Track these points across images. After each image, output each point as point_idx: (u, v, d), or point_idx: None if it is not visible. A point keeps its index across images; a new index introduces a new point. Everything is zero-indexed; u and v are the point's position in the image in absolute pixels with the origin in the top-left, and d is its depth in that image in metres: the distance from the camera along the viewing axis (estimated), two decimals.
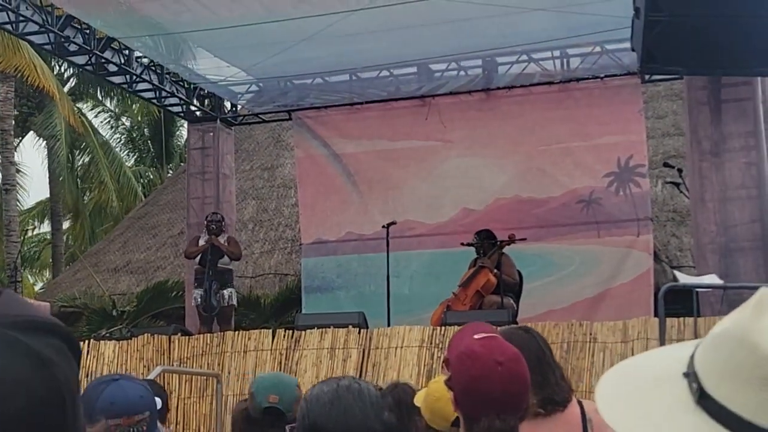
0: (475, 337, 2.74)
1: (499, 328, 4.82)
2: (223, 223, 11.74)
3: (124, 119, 26.36)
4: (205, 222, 11.58)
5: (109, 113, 25.83)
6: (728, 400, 0.94)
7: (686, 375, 1.00)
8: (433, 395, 3.05)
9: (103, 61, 11.80)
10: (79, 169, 23.05)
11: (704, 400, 0.96)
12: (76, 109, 21.74)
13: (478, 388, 2.56)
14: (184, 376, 8.89)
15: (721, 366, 0.95)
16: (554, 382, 3.74)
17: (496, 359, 2.58)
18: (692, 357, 1.01)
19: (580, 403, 3.86)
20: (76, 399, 1.01)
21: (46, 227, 25.88)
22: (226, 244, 11.44)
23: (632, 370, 1.09)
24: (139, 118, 26.18)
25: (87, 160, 22.67)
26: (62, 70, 22.35)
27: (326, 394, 2.17)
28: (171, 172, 25.15)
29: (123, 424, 2.87)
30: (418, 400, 3.20)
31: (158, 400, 4.15)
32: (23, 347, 0.95)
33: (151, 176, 26.25)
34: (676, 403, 0.98)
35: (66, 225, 24.46)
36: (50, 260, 23.92)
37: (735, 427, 0.93)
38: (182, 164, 22.21)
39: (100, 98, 24.93)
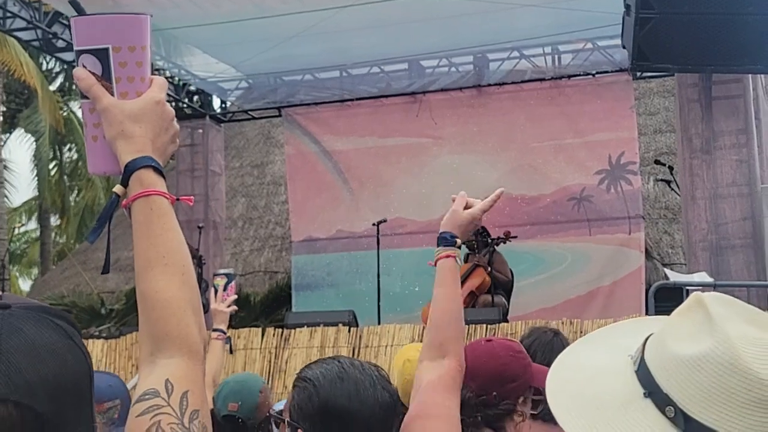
0: None
1: (529, 326, 4.80)
2: None
3: None
4: None
5: None
6: (716, 423, 0.96)
7: (648, 394, 1.01)
8: (405, 377, 3.01)
9: None
10: (67, 166, 22.92)
11: (689, 425, 0.98)
12: (64, 106, 21.63)
13: (475, 362, 2.53)
14: None
15: (708, 390, 0.97)
16: None
17: (487, 339, 2.63)
18: (648, 373, 1.02)
19: None
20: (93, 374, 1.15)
21: (34, 224, 25.76)
22: None
23: (578, 386, 1.10)
24: None
25: (75, 157, 22.54)
26: (50, 67, 22.23)
27: (331, 372, 2.09)
28: None
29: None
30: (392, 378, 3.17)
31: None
32: (49, 322, 1.08)
33: None
34: (653, 429, 1.00)
35: (55, 222, 24.34)
36: (38, 258, 23.80)
37: None
38: (171, 161, 22.10)
39: None
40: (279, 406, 4.00)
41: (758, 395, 0.95)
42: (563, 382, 1.14)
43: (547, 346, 3.76)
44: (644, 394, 1.02)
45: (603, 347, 1.13)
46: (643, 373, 1.03)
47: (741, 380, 0.96)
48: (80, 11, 1.47)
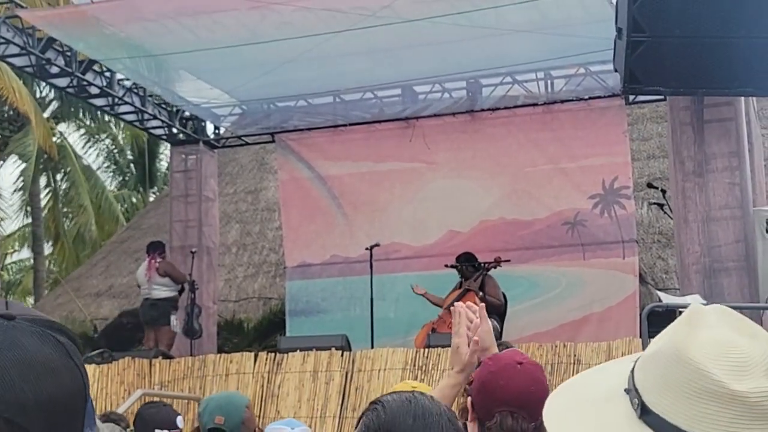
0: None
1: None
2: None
3: (108, 142, 26.24)
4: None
5: (94, 136, 25.69)
6: (668, 414, 1.00)
7: (627, 391, 1.06)
8: None
9: (84, 83, 11.73)
10: (60, 193, 22.87)
11: (646, 415, 1.02)
12: (57, 132, 21.62)
13: (494, 382, 2.53)
14: (165, 399, 8.77)
15: (660, 381, 1.02)
16: None
17: (516, 360, 2.59)
18: (632, 373, 1.07)
19: None
20: (89, 393, 1.12)
21: (28, 253, 25.66)
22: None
23: (579, 387, 1.16)
24: (122, 141, 26.07)
25: (68, 184, 22.51)
26: (44, 94, 22.24)
27: (402, 396, 2.16)
28: (154, 195, 25.02)
29: None
30: None
31: (179, 419, 4.26)
32: (51, 339, 1.05)
33: (134, 200, 26.11)
34: (621, 418, 1.04)
35: (49, 250, 24.25)
36: (32, 285, 23.68)
37: None
38: (165, 188, 22.08)
39: (86, 121, 24.78)
40: (275, 425, 4.00)
41: (700, 386, 0.98)
42: (561, 389, 1.18)
43: None
44: (625, 390, 1.07)
45: (620, 363, 1.18)
46: (630, 373, 1.08)
47: (683, 371, 0.99)
48: None
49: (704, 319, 1.04)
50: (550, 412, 1.14)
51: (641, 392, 1.03)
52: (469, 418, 2.58)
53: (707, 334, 1.02)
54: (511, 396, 2.49)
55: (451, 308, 3.09)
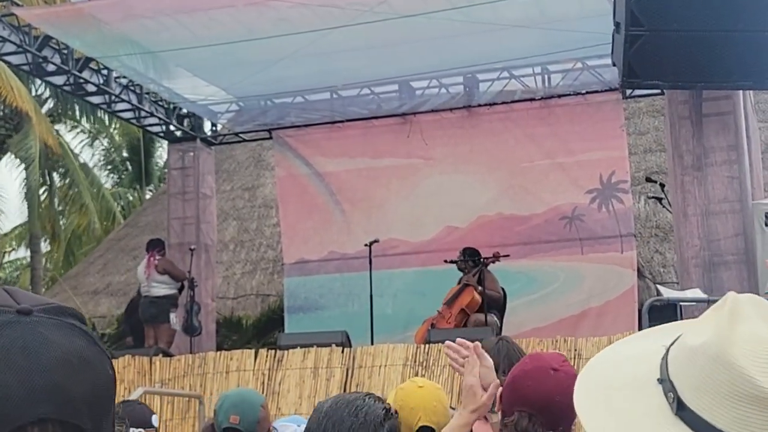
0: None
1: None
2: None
3: (104, 141, 26.21)
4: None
5: (89, 134, 25.66)
6: (706, 413, 0.99)
7: (660, 381, 1.05)
8: (397, 403, 3.02)
9: (81, 81, 11.70)
10: (58, 191, 22.82)
11: (682, 411, 1.01)
12: (54, 131, 21.55)
13: (522, 381, 2.53)
14: (166, 397, 8.76)
15: (698, 380, 1.00)
16: None
17: (553, 365, 2.55)
18: (665, 362, 1.06)
19: None
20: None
21: (25, 251, 25.62)
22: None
23: (603, 371, 1.15)
24: (118, 139, 26.03)
25: (66, 182, 22.46)
26: (39, 93, 22.17)
27: (325, 405, 2.26)
28: (150, 193, 25.01)
29: None
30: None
31: (155, 417, 4.35)
32: (75, 329, 1.01)
33: (131, 198, 26.08)
34: (655, 412, 1.03)
35: (45, 248, 24.21)
36: (29, 284, 23.63)
37: None
38: (162, 185, 22.03)
39: (79, 119, 24.73)
40: (279, 423, 4.02)
41: (742, 389, 0.97)
42: (590, 369, 1.17)
43: (492, 350, 3.77)
44: (658, 380, 1.06)
45: (646, 340, 1.16)
46: (663, 361, 1.07)
47: (725, 373, 0.98)
48: None
49: (743, 312, 1.03)
50: (579, 399, 1.13)
51: (677, 387, 1.02)
52: (496, 408, 2.58)
53: (747, 331, 1.00)
54: (534, 398, 2.46)
55: (452, 344, 2.91)
